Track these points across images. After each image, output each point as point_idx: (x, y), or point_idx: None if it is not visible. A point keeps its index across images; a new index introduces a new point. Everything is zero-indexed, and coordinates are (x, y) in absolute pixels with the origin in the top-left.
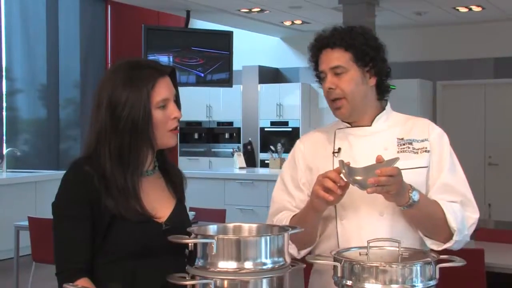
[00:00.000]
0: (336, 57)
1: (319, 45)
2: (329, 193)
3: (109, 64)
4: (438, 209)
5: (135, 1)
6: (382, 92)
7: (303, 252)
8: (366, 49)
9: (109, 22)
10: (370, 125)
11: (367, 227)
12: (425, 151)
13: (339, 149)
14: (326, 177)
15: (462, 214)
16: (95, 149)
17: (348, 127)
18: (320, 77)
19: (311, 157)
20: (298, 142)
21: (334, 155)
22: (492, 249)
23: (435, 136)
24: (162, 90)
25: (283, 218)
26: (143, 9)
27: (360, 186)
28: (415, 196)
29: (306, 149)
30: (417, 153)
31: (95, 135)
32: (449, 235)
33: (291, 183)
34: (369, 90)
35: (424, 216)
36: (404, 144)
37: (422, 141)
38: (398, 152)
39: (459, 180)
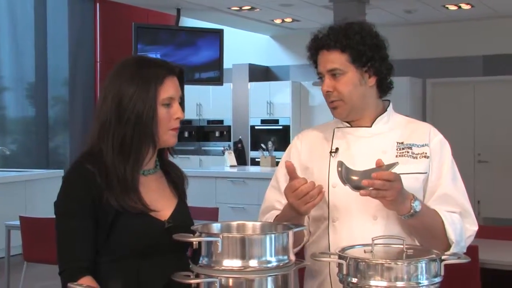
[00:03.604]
0: (332, 59)
1: (316, 46)
2: (308, 200)
3: (98, 62)
4: (438, 219)
5: None
6: (384, 90)
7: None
8: (363, 49)
9: (97, 20)
10: (370, 126)
11: (359, 231)
12: (425, 156)
13: (337, 149)
14: (294, 190)
15: (461, 226)
16: (98, 143)
17: (347, 127)
18: (320, 77)
19: (307, 155)
20: (295, 139)
21: (331, 154)
22: (484, 245)
23: (436, 143)
24: (169, 88)
25: (269, 218)
26: (132, 7)
27: (353, 186)
28: (417, 207)
29: (303, 147)
30: (416, 158)
31: (98, 128)
32: (446, 246)
33: (284, 182)
34: (368, 90)
35: (424, 226)
36: (403, 149)
37: (422, 146)
38: (396, 156)
39: (460, 191)
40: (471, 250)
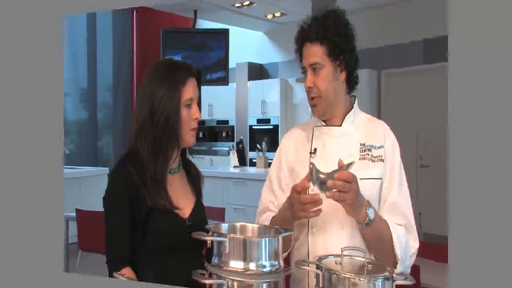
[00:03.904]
0: (314, 53)
1: (302, 38)
2: (312, 208)
3: (135, 68)
4: (388, 231)
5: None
6: (352, 86)
7: None
8: (337, 41)
9: (134, 29)
10: (340, 125)
11: (331, 238)
12: (381, 160)
13: (315, 149)
14: (299, 195)
15: (406, 240)
16: (135, 144)
17: (323, 126)
18: (303, 71)
19: (293, 156)
20: (284, 138)
21: (311, 155)
22: (426, 267)
23: (389, 145)
24: (190, 89)
25: (264, 221)
26: (157, 12)
27: (320, 188)
28: (371, 214)
29: (290, 146)
30: (374, 161)
31: (135, 129)
32: (393, 263)
33: (276, 182)
34: (339, 85)
35: (377, 237)
36: (365, 151)
37: (379, 148)
38: (360, 159)
39: (405, 198)
40: (413, 271)
